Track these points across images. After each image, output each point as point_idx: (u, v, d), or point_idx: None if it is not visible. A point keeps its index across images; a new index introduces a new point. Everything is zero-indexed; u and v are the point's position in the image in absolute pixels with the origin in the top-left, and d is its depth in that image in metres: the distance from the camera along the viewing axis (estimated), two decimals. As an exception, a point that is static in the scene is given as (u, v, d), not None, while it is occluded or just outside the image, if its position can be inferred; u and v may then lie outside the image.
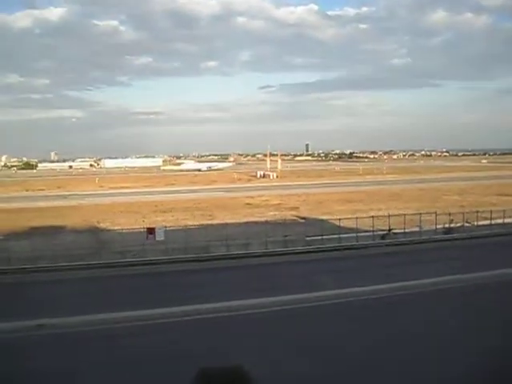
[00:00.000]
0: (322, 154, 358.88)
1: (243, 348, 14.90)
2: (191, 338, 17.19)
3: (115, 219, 51.84)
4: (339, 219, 39.21)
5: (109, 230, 44.70)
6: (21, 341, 18.22)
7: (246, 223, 39.41)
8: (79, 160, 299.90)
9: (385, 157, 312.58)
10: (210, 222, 46.50)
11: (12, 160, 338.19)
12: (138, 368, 14.78)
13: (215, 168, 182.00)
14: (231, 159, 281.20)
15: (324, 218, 45.58)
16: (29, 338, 18.45)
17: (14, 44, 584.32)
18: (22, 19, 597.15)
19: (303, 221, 48.18)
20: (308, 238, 36.25)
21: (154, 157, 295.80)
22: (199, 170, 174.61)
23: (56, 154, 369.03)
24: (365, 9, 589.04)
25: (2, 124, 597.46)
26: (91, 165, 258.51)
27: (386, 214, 40.32)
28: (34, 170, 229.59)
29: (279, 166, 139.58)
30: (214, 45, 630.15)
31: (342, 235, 36.00)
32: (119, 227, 41.55)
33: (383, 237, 36.71)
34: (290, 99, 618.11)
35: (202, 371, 2.75)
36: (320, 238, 36.01)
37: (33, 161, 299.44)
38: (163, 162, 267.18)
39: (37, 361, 15.77)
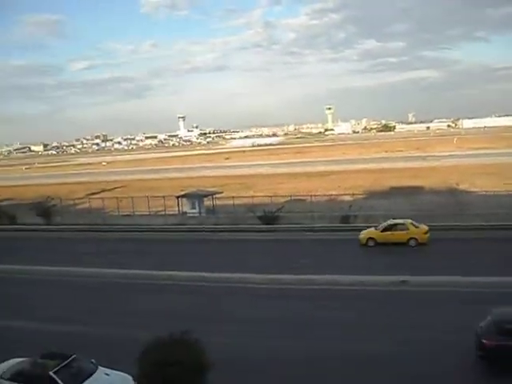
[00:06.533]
0: None
1: None
2: None
3: (473, 181, 51.55)
4: None
5: (467, 192, 45.08)
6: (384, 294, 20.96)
7: None
8: (436, 121, 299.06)
9: None
10: None
11: (371, 123, 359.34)
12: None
13: None
14: None
15: None
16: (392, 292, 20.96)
17: (370, 10, 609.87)
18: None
19: None
20: None
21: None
22: None
23: (413, 115, 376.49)
24: None
25: (362, 88, 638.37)
26: (449, 125, 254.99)
27: None
28: (392, 132, 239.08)
29: None
30: None
31: None
32: (478, 189, 41.40)
33: None
34: None
35: None
36: None
37: (391, 123, 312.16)
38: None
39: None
